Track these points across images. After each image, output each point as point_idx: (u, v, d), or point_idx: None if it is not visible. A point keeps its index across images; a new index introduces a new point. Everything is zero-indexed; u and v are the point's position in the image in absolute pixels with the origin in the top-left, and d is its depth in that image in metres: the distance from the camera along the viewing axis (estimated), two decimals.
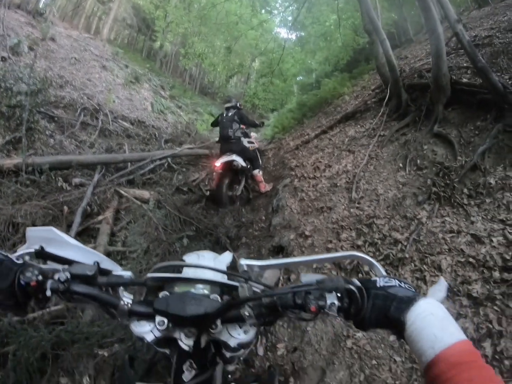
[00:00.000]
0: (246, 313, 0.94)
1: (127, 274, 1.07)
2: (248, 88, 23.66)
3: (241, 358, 1.19)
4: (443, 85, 6.00)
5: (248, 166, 7.28)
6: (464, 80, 6.14)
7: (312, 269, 4.11)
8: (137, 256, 4.64)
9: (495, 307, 2.91)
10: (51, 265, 1.04)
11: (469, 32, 8.80)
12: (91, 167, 6.87)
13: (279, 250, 4.96)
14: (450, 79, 6.04)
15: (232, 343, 1.01)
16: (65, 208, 5.07)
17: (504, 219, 3.71)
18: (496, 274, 3.15)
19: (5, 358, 2.91)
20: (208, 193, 7.23)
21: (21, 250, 1.02)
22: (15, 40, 10.99)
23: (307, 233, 4.99)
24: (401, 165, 5.72)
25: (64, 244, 1.08)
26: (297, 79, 22.34)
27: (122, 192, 6.04)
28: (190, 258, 1.29)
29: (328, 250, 4.46)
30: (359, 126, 8.31)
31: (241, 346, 1.03)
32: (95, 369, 3.04)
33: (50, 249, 1.03)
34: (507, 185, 4.10)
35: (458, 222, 4.00)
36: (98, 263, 1.04)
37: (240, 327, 1.03)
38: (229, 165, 6.84)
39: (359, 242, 4.38)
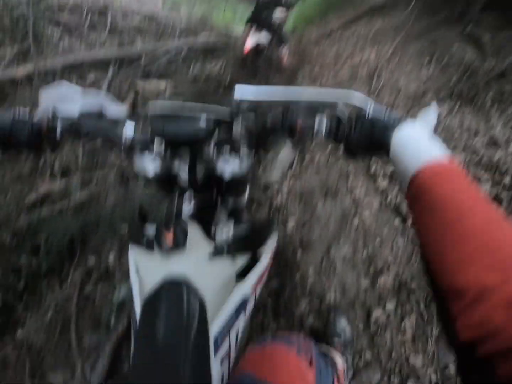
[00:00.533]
0: (238, 132, 0.99)
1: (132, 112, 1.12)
2: None
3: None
4: None
5: (273, 43, 7.35)
6: None
7: None
8: None
9: (501, 208, 2.96)
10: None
11: None
12: (105, 64, 6.76)
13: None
14: None
15: (227, 171, 1.02)
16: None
17: None
18: (507, 179, 3.19)
19: (38, 247, 3.08)
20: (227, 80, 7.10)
21: (37, 112, 1.05)
22: None
23: None
24: (426, 61, 5.54)
25: (76, 97, 1.10)
26: None
27: (138, 83, 6.02)
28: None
29: None
30: (386, 19, 7.92)
31: (237, 179, 1.04)
32: (119, 246, 3.23)
33: (64, 105, 1.07)
34: None
35: (477, 123, 3.97)
36: (105, 103, 1.11)
37: (236, 156, 1.04)
38: (255, 47, 6.99)
39: None
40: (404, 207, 3.27)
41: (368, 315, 2.63)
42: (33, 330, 2.70)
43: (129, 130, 1.04)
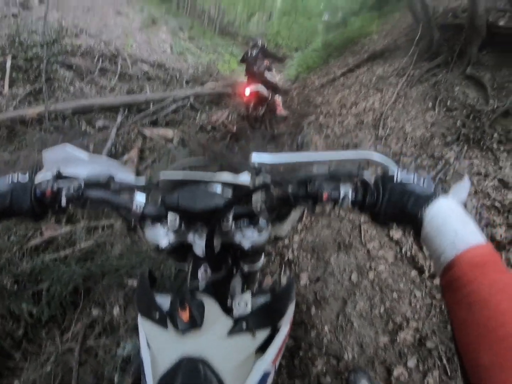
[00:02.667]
0: (258, 207, 0.91)
1: (141, 179, 1.04)
2: (270, 26, 23.01)
3: (260, 285, 1.15)
4: (479, 26, 5.72)
5: (269, 95, 7.91)
6: (501, 23, 5.81)
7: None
8: None
9: None
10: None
11: None
12: (114, 109, 6.85)
13: None
14: (486, 21, 5.74)
15: (246, 244, 0.98)
16: (91, 148, 5.09)
17: None
18: None
19: (40, 295, 3.00)
20: (234, 128, 7.32)
21: (39, 176, 0.99)
22: None
23: None
24: (430, 105, 5.56)
25: (81, 161, 1.04)
26: (323, 18, 21.67)
27: (146, 132, 6.02)
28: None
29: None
30: (387, 65, 8.09)
31: (256, 249, 1.01)
32: (125, 300, 3.13)
33: (68, 169, 1.01)
34: None
35: (486, 166, 3.92)
36: (113, 172, 1.03)
37: (254, 227, 0.99)
38: (255, 93, 7.35)
39: None
40: (420, 259, 3.20)
41: (389, 373, 2.52)
42: (31, 381, 2.57)
43: (139, 201, 0.98)
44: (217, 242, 0.98)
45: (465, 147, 4.27)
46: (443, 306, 2.73)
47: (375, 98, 6.63)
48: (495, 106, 4.60)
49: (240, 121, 7.69)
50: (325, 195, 0.84)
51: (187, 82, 10.03)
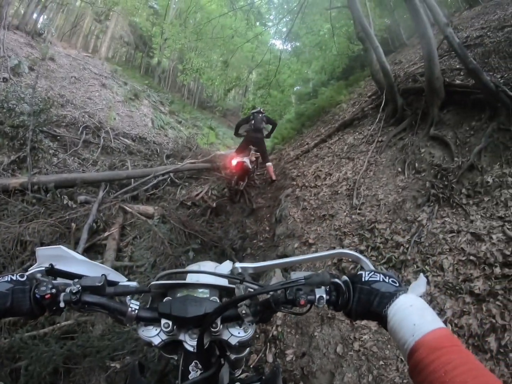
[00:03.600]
0: (243, 311, 1.01)
1: (133, 284, 1.15)
2: (246, 100, 23.68)
3: (251, 365, 1.25)
4: (437, 88, 6.06)
5: (253, 168, 8.60)
6: (457, 81, 6.17)
7: (306, 266, 4.30)
8: (144, 270, 4.72)
9: (498, 302, 2.94)
10: (61, 280, 1.11)
11: (461, 33, 8.98)
12: (96, 184, 6.94)
13: None
14: (443, 82, 6.09)
15: (233, 341, 1.09)
16: (73, 225, 5.13)
17: (503, 215, 3.75)
18: (497, 270, 3.20)
19: (18, 373, 2.96)
20: (214, 204, 7.42)
21: (33, 269, 1.08)
22: (16, 61, 11.20)
23: (310, 241, 5.07)
24: (399, 169, 5.77)
25: (73, 260, 1.16)
26: (295, 89, 22.10)
27: (127, 208, 6.09)
28: (192, 268, 1.38)
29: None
30: (357, 133, 8.37)
31: (242, 344, 1.10)
32: (107, 382, 3.08)
33: (60, 266, 1.11)
34: (504, 183, 4.12)
35: (458, 222, 4.04)
36: (105, 276, 1.11)
37: (240, 326, 1.10)
38: (241, 164, 7.87)
39: (362, 247, 4.44)
40: None
41: None
42: None
43: (134, 306, 1.06)
44: (206, 340, 1.07)
45: (436, 207, 4.41)
46: None
47: (348, 168, 6.82)
48: (460, 162, 4.80)
49: (220, 196, 7.81)
50: (302, 301, 0.95)
51: (167, 157, 10.20)
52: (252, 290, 1.09)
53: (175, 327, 1.06)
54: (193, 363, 1.11)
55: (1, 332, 3.28)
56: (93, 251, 5.16)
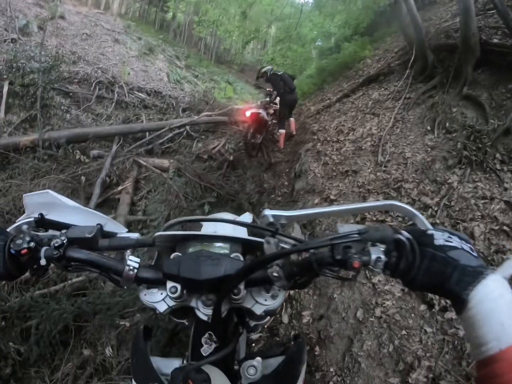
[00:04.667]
0: (275, 274, 0.78)
1: (133, 235, 0.94)
2: (265, 54, 23.20)
3: (265, 326, 1.03)
4: (472, 45, 5.65)
5: (271, 121, 8.31)
6: (495, 40, 5.79)
7: (344, 220, 3.99)
8: (158, 224, 4.58)
9: None
10: (52, 232, 0.91)
11: None
12: (109, 138, 6.81)
13: None
14: (479, 39, 5.69)
15: (258, 310, 0.86)
16: (82, 178, 5.03)
17: None
18: None
19: (28, 332, 2.91)
20: (231, 157, 7.24)
21: (20, 220, 0.91)
22: (24, 21, 11.01)
23: (332, 197, 4.86)
24: (429, 128, 5.48)
25: (65, 209, 0.97)
26: (316, 44, 21.81)
27: (141, 162, 5.95)
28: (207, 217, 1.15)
29: (355, 216, 4.20)
30: (383, 89, 8.03)
31: (268, 313, 0.89)
32: (117, 339, 3.02)
33: (52, 215, 0.93)
34: None
35: (491, 188, 3.82)
36: (100, 225, 0.92)
37: (267, 292, 0.88)
38: (256, 115, 7.60)
39: None
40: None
41: None
42: None
43: (133, 263, 0.85)
44: (224, 308, 0.86)
45: (468, 170, 4.18)
46: (456, 342, 2.59)
47: (372, 123, 6.57)
48: (496, 125, 4.55)
49: (237, 150, 7.63)
50: (356, 263, 0.71)
51: (183, 110, 10.00)
52: (286, 246, 0.86)
53: (184, 291, 0.84)
54: (207, 334, 0.90)
55: (13, 291, 3.20)
56: (106, 205, 5.09)
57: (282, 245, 0.85)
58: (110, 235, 0.94)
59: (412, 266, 0.70)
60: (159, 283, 0.86)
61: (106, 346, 2.93)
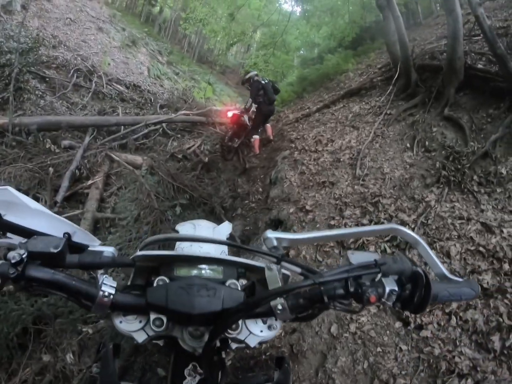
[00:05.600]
0: (279, 307, 0.70)
1: (109, 250, 0.79)
2: (248, 58, 23.18)
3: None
4: (457, 68, 5.83)
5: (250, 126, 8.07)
6: (479, 66, 5.96)
7: (341, 245, 3.96)
8: (127, 223, 4.42)
9: (506, 300, 2.82)
10: (10, 239, 0.78)
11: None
12: (82, 129, 6.58)
13: (278, 224, 4.81)
14: (464, 63, 5.86)
15: (252, 342, 0.77)
16: (50, 169, 4.82)
17: None
18: (506, 266, 3.09)
19: None
20: (206, 159, 7.11)
21: None
22: None
23: (308, 207, 4.82)
24: (408, 145, 5.58)
25: (27, 210, 0.80)
26: (299, 53, 21.96)
27: (114, 157, 5.78)
28: (184, 228, 1.07)
29: (330, 227, 4.28)
30: (364, 103, 8.09)
31: (262, 343, 0.82)
32: (79, 345, 2.88)
33: (9, 216, 0.76)
34: None
35: (467, 209, 3.92)
36: (68, 235, 0.76)
37: (264, 322, 0.79)
38: (237, 117, 7.75)
39: (364, 221, 4.21)
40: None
41: None
42: None
43: (108, 288, 0.72)
44: (215, 342, 0.77)
45: (446, 190, 4.27)
46: (431, 360, 2.59)
47: (352, 136, 6.58)
48: (475, 148, 4.66)
49: (213, 152, 7.55)
50: (372, 297, 0.67)
51: (161, 107, 9.87)
52: (287, 272, 0.79)
53: (170, 323, 0.73)
54: (190, 365, 0.79)
55: None
56: (74, 200, 4.88)
57: (284, 271, 0.79)
58: (80, 248, 0.79)
59: (426, 299, 0.70)
60: (138, 311, 0.75)
61: (67, 352, 2.78)
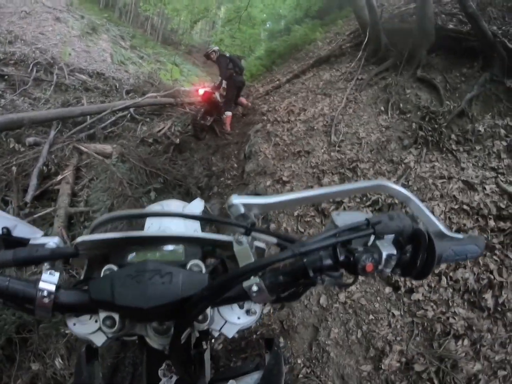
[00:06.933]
0: (254, 288, 0.59)
1: (52, 241, 0.66)
2: (214, 35, 22.83)
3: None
4: (428, 30, 5.88)
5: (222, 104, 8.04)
6: (450, 26, 6.04)
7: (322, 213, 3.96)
8: (101, 215, 4.28)
9: (495, 257, 2.85)
10: None
11: None
12: (47, 124, 6.34)
13: None
14: (435, 24, 5.91)
15: (230, 332, 0.67)
16: (13, 169, 4.62)
17: (496, 167, 3.75)
18: (492, 222, 3.14)
19: None
20: (178, 140, 7.01)
21: None
22: None
23: (284, 178, 4.81)
24: (382, 108, 5.63)
25: None
26: (266, 26, 21.72)
27: (82, 148, 5.61)
28: (152, 208, 0.97)
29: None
30: (334, 70, 8.10)
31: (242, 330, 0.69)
32: (67, 348, 2.77)
33: None
34: (497, 134, 4.11)
35: (448, 168, 3.96)
36: (7, 230, 0.66)
37: (241, 307, 0.68)
38: (208, 95, 7.71)
39: None
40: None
41: None
42: None
43: (48, 285, 0.60)
44: (184, 335, 0.66)
45: (424, 150, 4.32)
46: (426, 323, 2.61)
47: (324, 104, 6.57)
48: (451, 107, 4.73)
49: (184, 133, 7.44)
50: (369, 266, 0.58)
51: (127, 93, 9.65)
52: (262, 245, 0.68)
53: (126, 321, 0.62)
54: (164, 365, 0.70)
55: None
56: (46, 198, 4.70)
57: (257, 244, 0.68)
58: (20, 242, 0.68)
59: (431, 262, 0.61)
60: (90, 310, 0.64)
61: (55, 357, 2.69)
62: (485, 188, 3.47)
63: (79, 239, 0.68)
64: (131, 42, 19.00)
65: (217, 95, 7.75)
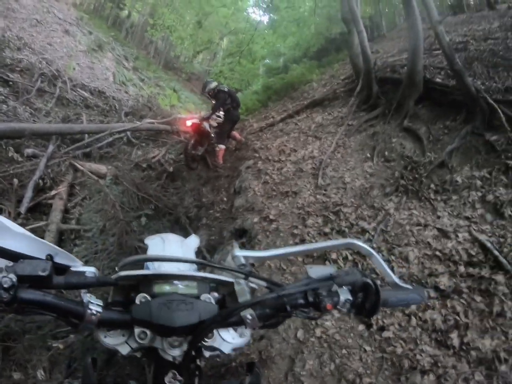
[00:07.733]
0: (249, 317, 0.82)
1: (90, 270, 0.86)
2: (214, 65, 23.20)
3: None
4: (417, 82, 6.16)
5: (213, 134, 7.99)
6: (438, 79, 6.33)
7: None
8: (92, 235, 4.40)
9: (462, 300, 3.00)
10: None
11: None
12: (46, 137, 6.44)
13: (242, 234, 4.89)
14: (423, 77, 6.20)
15: (226, 349, 0.90)
16: (15, 180, 4.71)
17: (470, 216, 3.88)
18: (462, 268, 3.29)
19: None
20: (171, 168, 7.11)
21: None
22: None
23: (271, 217, 4.92)
24: (368, 155, 5.79)
25: (9, 233, 0.80)
26: (265, 62, 22.11)
27: (78, 166, 5.73)
28: (154, 242, 1.16)
29: (294, 236, 4.42)
30: (326, 113, 8.31)
31: (235, 350, 0.92)
32: (50, 361, 2.84)
33: None
34: (473, 184, 4.27)
35: (425, 216, 4.11)
36: (51, 257, 0.82)
37: (235, 330, 0.92)
38: (196, 126, 7.67)
39: (326, 229, 4.36)
40: None
41: None
42: None
43: (95, 306, 0.78)
44: (193, 349, 0.86)
45: (404, 198, 4.48)
46: (394, 359, 2.74)
47: (314, 146, 6.75)
48: (432, 158, 4.93)
49: (177, 161, 7.55)
50: (328, 305, 0.81)
51: (126, 114, 9.76)
52: (255, 286, 0.92)
53: (152, 335, 0.83)
54: (170, 373, 0.87)
55: None
56: (38, 211, 4.78)
57: (251, 285, 0.91)
58: (63, 268, 0.84)
59: (376, 305, 0.83)
60: (122, 326, 0.85)
61: (38, 368, 2.75)
62: (458, 236, 3.65)
63: (122, 273, 0.89)
64: (134, 63, 19.25)
65: (206, 125, 7.72)
